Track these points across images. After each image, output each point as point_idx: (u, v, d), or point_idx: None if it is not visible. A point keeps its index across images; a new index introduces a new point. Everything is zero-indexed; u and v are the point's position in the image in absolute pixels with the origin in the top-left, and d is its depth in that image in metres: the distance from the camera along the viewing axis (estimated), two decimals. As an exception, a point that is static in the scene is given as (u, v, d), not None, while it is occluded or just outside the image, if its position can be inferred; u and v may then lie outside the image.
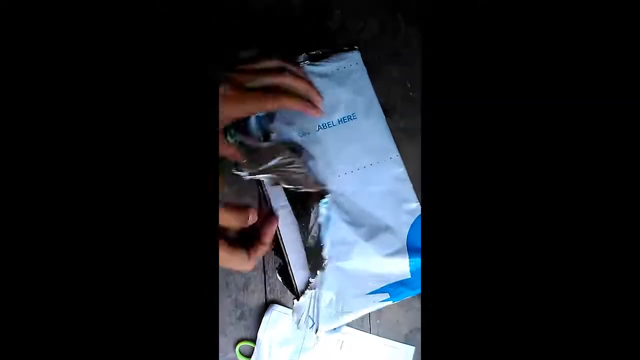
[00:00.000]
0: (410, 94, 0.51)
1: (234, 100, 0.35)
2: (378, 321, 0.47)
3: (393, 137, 0.50)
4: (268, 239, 0.37)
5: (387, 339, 0.47)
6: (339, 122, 0.41)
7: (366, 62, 0.46)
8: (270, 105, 0.37)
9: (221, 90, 0.35)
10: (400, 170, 0.42)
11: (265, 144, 0.39)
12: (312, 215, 0.39)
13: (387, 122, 0.50)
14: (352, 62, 0.43)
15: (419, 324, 0.47)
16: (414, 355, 0.46)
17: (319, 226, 0.39)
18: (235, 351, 0.47)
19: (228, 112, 0.36)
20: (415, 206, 0.41)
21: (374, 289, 0.40)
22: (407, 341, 0.47)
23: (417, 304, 0.47)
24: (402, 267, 0.40)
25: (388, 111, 0.50)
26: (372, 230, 0.40)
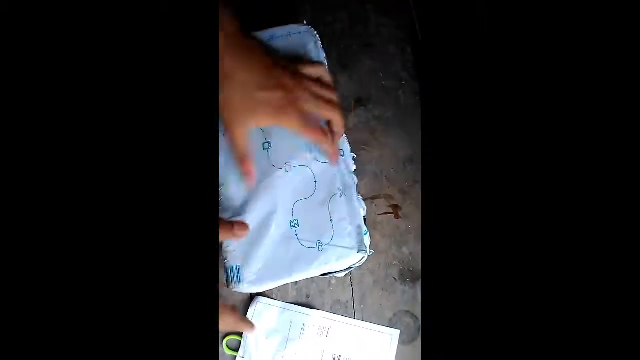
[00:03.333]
0: (383, 82, 0.52)
1: (292, 113, 0.36)
2: (362, 306, 0.48)
3: (369, 126, 0.51)
4: None
5: (372, 324, 0.47)
6: None
7: (339, 53, 0.47)
8: (314, 137, 0.38)
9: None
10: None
11: None
12: None
13: (361, 112, 0.51)
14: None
15: (402, 308, 0.48)
16: (399, 339, 0.47)
17: None
18: (222, 345, 0.47)
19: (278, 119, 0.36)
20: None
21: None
22: (391, 325, 0.48)
23: (400, 287, 0.48)
24: None
25: (363, 100, 0.51)
26: None
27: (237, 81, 0.35)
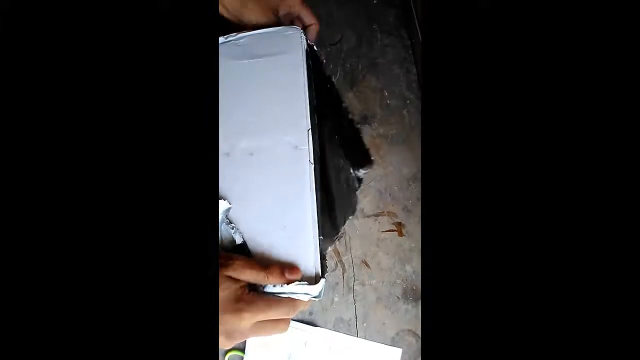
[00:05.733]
0: (388, 101, 0.52)
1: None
2: (365, 324, 0.48)
3: (374, 144, 0.52)
4: None
5: (374, 342, 0.47)
6: None
7: (345, 72, 0.48)
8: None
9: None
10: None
11: None
12: None
13: (366, 129, 0.52)
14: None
15: (405, 326, 0.48)
16: (400, 357, 0.47)
17: None
18: (223, 361, 0.47)
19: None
20: None
21: None
22: (393, 344, 0.47)
23: (403, 305, 0.48)
24: None
25: (367, 118, 0.52)
26: None
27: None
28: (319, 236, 0.37)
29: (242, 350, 0.47)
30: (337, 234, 0.43)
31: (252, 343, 0.47)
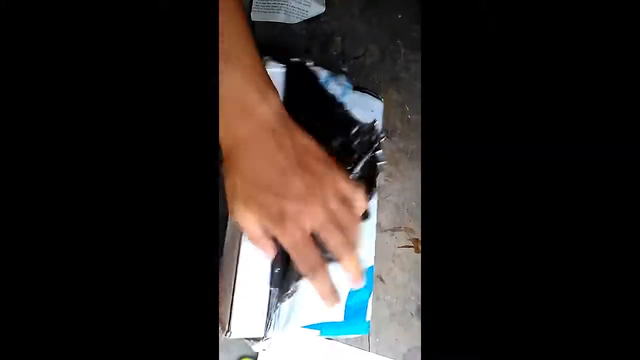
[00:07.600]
0: (409, 116, 0.52)
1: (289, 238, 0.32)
2: (377, 339, 0.47)
3: (393, 158, 0.52)
4: None
5: (386, 358, 0.47)
6: None
7: (367, 86, 0.48)
8: (305, 271, 0.33)
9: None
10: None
11: None
12: None
13: (387, 144, 0.52)
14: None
15: (417, 343, 0.47)
16: (412, 375, 0.47)
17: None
18: (235, 368, 0.47)
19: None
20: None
21: (308, 324, 0.41)
22: (405, 360, 0.47)
23: (417, 322, 0.48)
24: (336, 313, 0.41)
25: (388, 132, 0.52)
26: None
27: (245, 173, 0.32)
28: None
29: (255, 358, 0.47)
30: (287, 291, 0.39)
31: (263, 354, 0.47)
